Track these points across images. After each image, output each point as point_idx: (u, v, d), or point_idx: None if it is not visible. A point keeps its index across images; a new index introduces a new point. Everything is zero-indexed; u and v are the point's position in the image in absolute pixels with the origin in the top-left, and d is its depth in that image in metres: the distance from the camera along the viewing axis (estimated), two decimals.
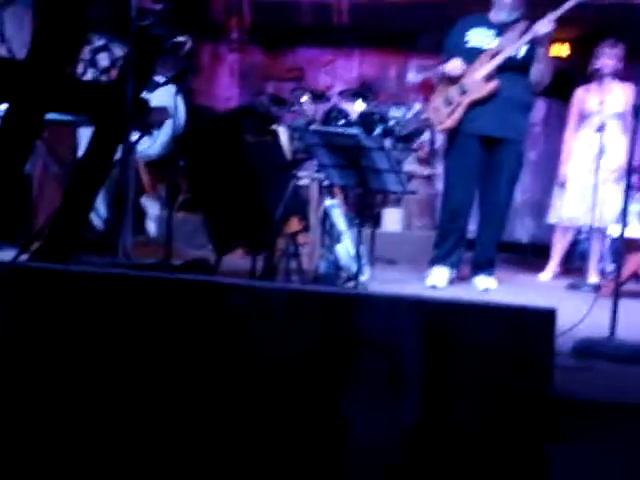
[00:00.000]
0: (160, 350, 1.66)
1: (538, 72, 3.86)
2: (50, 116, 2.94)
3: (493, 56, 3.82)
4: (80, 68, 4.54)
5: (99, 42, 3.98)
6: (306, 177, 4.16)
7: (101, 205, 4.14)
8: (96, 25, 2.84)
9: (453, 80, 3.89)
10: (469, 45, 3.91)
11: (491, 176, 3.94)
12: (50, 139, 3.83)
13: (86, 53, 4.34)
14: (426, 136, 5.83)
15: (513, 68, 3.84)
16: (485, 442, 1.55)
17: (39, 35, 2.49)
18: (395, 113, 5.43)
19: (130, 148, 3.08)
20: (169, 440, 1.65)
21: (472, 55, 3.87)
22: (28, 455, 1.68)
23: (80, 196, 2.90)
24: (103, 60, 4.29)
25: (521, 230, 6.41)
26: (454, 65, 3.87)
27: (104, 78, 4.09)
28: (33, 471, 1.68)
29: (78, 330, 1.68)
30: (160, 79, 4.15)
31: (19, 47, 3.85)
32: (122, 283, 1.70)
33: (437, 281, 3.90)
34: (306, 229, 3.78)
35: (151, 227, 5.51)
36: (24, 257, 3.26)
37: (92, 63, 4.24)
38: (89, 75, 4.37)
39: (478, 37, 3.90)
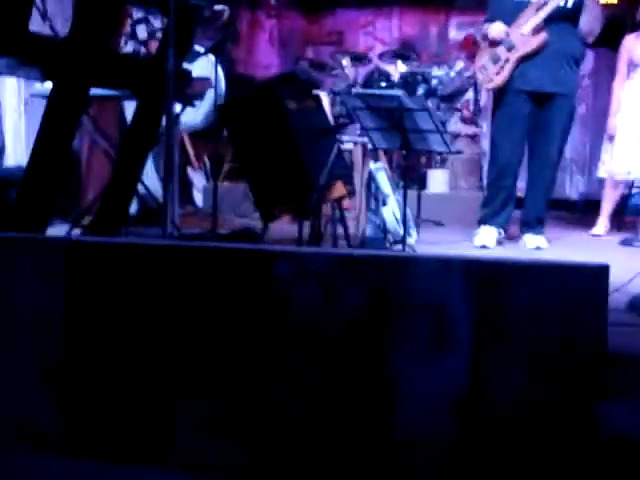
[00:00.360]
0: (210, 317, 1.69)
1: (588, 21, 3.73)
2: (94, 91, 2.97)
3: (539, 8, 3.71)
4: (121, 41, 4.58)
5: (137, 14, 4.00)
6: (349, 141, 4.13)
7: (149, 177, 4.20)
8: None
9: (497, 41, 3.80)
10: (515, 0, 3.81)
11: (541, 133, 3.85)
12: (96, 114, 3.88)
13: (126, 26, 4.37)
14: (470, 94, 5.73)
15: (561, 19, 3.72)
16: (537, 402, 1.54)
17: (79, 12, 2.51)
18: (437, 72, 5.34)
19: (174, 120, 3.11)
20: (221, 406, 1.69)
21: (518, 8, 3.76)
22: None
23: (127, 169, 2.94)
24: (142, 32, 4.32)
25: (570, 187, 6.29)
26: (497, 29, 3.78)
27: (143, 50, 4.12)
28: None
29: (131, 299, 1.72)
30: (200, 49, 4.16)
31: (61, 24, 3.89)
32: (171, 254, 1.73)
33: (486, 241, 3.85)
34: (351, 194, 3.77)
35: (198, 198, 5.56)
36: (76, 231, 3.34)
37: (132, 35, 4.27)
38: (129, 47, 4.41)
39: None
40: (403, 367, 1.60)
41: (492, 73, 3.82)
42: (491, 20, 3.87)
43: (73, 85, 2.48)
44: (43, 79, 3.13)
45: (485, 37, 3.91)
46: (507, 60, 3.76)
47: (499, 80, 3.80)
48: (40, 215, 2.54)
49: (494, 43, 3.81)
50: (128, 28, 4.29)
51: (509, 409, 1.55)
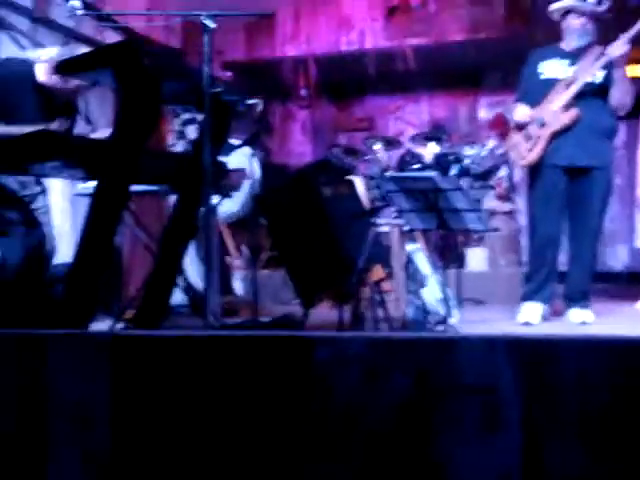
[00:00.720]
0: (252, 407, 1.68)
1: (617, 95, 3.78)
2: (135, 188, 3.06)
3: (569, 85, 3.77)
4: (171, 140, 4.76)
5: (185, 115, 4.16)
6: (386, 224, 4.16)
7: (190, 269, 4.26)
8: (174, 99, 2.96)
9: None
10: (543, 77, 3.87)
11: (580, 206, 3.84)
12: (137, 210, 3.99)
13: (175, 126, 4.56)
14: (503, 172, 5.76)
15: (592, 94, 3.77)
16: (593, 477, 1.48)
17: (120, 115, 2.62)
18: (469, 152, 5.41)
19: (211, 211, 3.17)
20: None
21: (547, 86, 3.83)
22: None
23: (167, 262, 2.99)
24: (191, 132, 4.52)
25: (613, 258, 6.20)
26: (521, 114, 3.85)
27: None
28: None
29: (174, 391, 1.72)
30: (235, 142, 4.28)
31: (105, 125, 4.06)
32: (213, 344, 1.74)
33: (530, 317, 3.79)
34: (390, 276, 3.76)
35: (237, 286, 5.61)
36: (119, 325, 3.37)
37: (181, 135, 4.46)
38: (179, 147, 4.60)
39: (552, 68, 3.86)
40: (452, 451, 1.56)
41: (525, 150, 3.86)
42: (520, 100, 3.94)
43: (115, 184, 2.56)
44: (86, 179, 3.25)
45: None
46: (539, 137, 3.80)
47: (532, 157, 3.83)
48: (85, 310, 2.59)
49: (521, 127, 3.87)
50: (176, 127, 4.48)
51: None
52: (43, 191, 3.39)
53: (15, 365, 1.84)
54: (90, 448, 1.77)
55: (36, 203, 3.29)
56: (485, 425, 1.55)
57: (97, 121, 3.57)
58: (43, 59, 3.12)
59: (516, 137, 3.93)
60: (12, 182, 3.13)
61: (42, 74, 3.15)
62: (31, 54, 3.44)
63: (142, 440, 1.74)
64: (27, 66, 3.18)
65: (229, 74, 6.68)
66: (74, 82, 3.13)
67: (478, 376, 1.56)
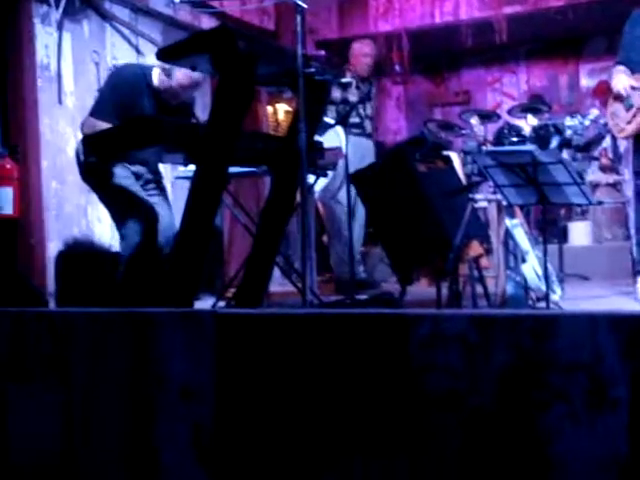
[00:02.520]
0: (351, 385, 1.70)
1: None
2: (233, 170, 3.14)
3: None
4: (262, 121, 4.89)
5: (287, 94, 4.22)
6: (483, 199, 4.09)
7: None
8: (269, 80, 3.01)
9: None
10: None
11: None
12: (235, 191, 4.08)
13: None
14: (607, 142, 5.53)
15: None
16: None
17: (217, 98, 2.68)
18: (571, 122, 5.20)
19: (308, 190, 3.21)
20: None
21: None
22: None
23: (267, 242, 3.05)
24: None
25: None
26: (621, 83, 3.64)
27: None
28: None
29: (275, 367, 1.76)
30: (330, 121, 4.30)
31: (201, 111, 4.16)
32: (311, 322, 1.77)
33: None
34: (488, 252, 3.70)
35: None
36: (221, 303, 3.48)
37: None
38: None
39: None
40: (556, 429, 1.53)
41: (623, 122, 3.68)
42: (621, 63, 3.75)
43: (214, 166, 2.63)
44: (186, 163, 3.35)
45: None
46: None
47: (631, 129, 3.65)
48: (188, 289, 2.68)
49: (619, 97, 3.68)
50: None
51: None
52: (160, 178, 3.54)
53: (123, 341, 1.93)
54: (196, 421, 1.85)
55: (151, 190, 3.44)
56: (590, 403, 1.51)
57: (196, 105, 3.67)
58: (157, 64, 3.25)
59: (616, 105, 3.74)
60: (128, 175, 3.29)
61: (156, 78, 3.29)
62: (148, 59, 3.58)
63: (244, 414, 1.79)
64: (144, 70, 3.33)
65: (323, 53, 6.70)
66: (177, 80, 3.25)
67: (582, 354, 1.52)
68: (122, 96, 3.23)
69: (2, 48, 4.24)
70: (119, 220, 3.28)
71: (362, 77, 4.91)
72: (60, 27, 4.34)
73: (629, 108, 3.65)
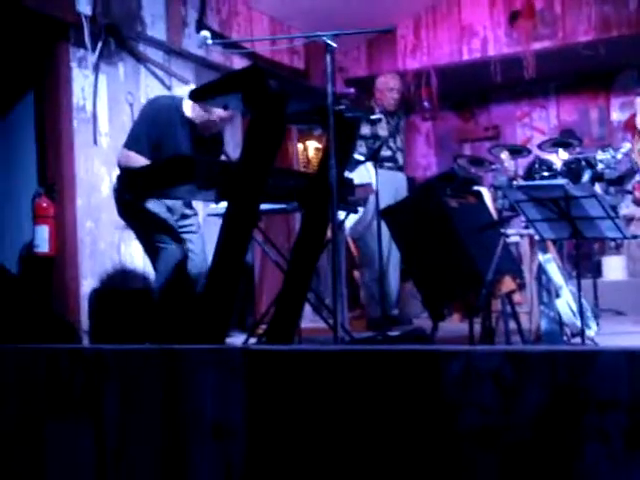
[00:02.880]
0: (383, 423, 1.68)
1: None
2: (264, 206, 3.17)
3: None
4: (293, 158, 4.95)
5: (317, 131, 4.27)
6: (515, 234, 4.06)
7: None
8: (299, 118, 3.05)
9: None
10: None
11: None
12: (266, 227, 4.11)
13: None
14: None
15: None
16: None
17: (249, 136, 2.72)
18: (602, 156, 5.16)
19: (339, 226, 3.22)
20: None
21: None
22: None
23: (297, 278, 3.05)
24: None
25: None
26: None
27: None
28: None
29: (306, 404, 1.75)
30: (360, 157, 4.33)
31: (232, 149, 4.22)
32: (342, 359, 1.76)
33: None
34: (521, 287, 3.66)
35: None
36: (252, 340, 3.48)
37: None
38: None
39: None
40: (595, 469, 1.49)
41: None
42: None
43: (245, 203, 2.65)
44: (218, 200, 3.39)
45: None
46: None
47: None
48: (220, 326, 2.69)
49: None
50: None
51: None
52: (194, 214, 3.59)
53: (155, 378, 1.94)
54: (228, 460, 1.84)
55: (186, 226, 3.48)
56: (629, 442, 1.48)
57: (227, 144, 3.73)
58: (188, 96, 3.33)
59: None
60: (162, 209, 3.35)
61: (189, 109, 3.36)
62: (178, 91, 3.66)
63: (276, 452, 1.78)
64: (175, 101, 3.41)
65: (352, 91, 6.77)
66: (217, 114, 3.32)
67: (619, 391, 1.49)
68: (156, 128, 3.29)
69: (40, 90, 4.36)
70: (153, 248, 3.32)
71: (390, 111, 4.94)
72: (96, 70, 4.45)
73: None
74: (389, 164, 4.88)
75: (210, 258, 2.76)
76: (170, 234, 3.31)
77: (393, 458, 1.67)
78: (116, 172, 3.50)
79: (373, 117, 4.72)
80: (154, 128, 3.30)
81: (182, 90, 3.56)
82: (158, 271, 3.30)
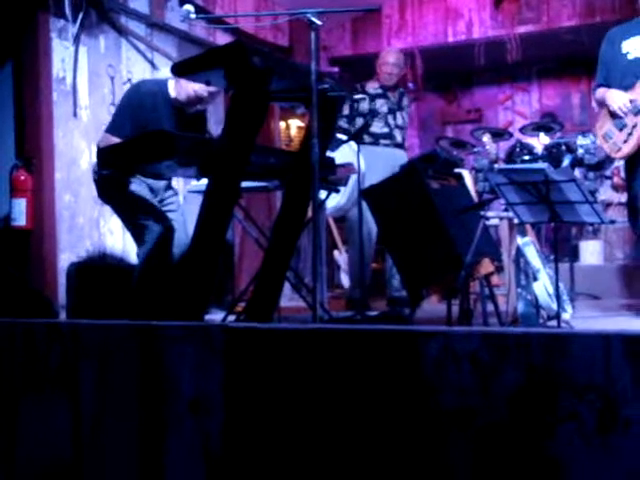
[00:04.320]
0: (359, 401, 1.69)
1: None
2: (245, 184, 3.15)
3: None
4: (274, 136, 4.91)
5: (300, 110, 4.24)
6: (495, 217, 4.08)
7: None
8: (281, 96, 3.02)
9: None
10: (630, 57, 3.60)
11: None
12: (247, 205, 4.09)
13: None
14: (620, 161, 5.51)
15: None
16: None
17: (230, 114, 2.70)
18: (583, 141, 5.19)
19: (320, 206, 3.21)
20: None
21: (636, 67, 3.58)
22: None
23: (278, 256, 3.05)
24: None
25: None
26: (619, 100, 3.54)
27: None
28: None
29: (283, 381, 1.76)
30: (342, 137, 4.31)
31: (215, 124, 4.19)
32: (321, 337, 1.77)
33: None
34: (499, 270, 3.69)
35: (345, 280, 5.65)
36: (231, 317, 3.48)
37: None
38: None
39: (637, 46, 3.61)
40: (568, 451, 1.52)
41: (620, 141, 3.61)
42: (605, 84, 3.71)
43: (226, 180, 2.64)
44: (199, 177, 3.37)
45: (601, 104, 3.74)
46: (635, 125, 3.54)
47: (629, 148, 3.58)
48: (199, 302, 2.68)
49: (615, 114, 3.61)
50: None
51: None
52: (175, 194, 3.58)
53: (133, 354, 1.93)
54: (205, 435, 1.84)
55: (167, 204, 3.47)
56: (602, 424, 1.50)
57: (208, 120, 3.70)
58: (171, 76, 3.30)
59: (606, 126, 3.67)
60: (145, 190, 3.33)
61: (173, 90, 3.34)
62: (164, 71, 3.64)
63: (253, 428, 1.79)
64: (160, 85, 3.38)
65: (336, 70, 6.73)
66: (199, 92, 3.29)
67: (593, 374, 1.51)
68: (140, 114, 3.26)
69: (19, 61, 4.29)
70: (136, 227, 3.30)
71: (388, 86, 4.82)
72: (77, 41, 4.38)
73: (622, 128, 3.59)
74: (385, 141, 4.78)
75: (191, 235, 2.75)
76: (153, 214, 3.29)
77: (370, 437, 1.68)
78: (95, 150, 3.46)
79: (357, 97, 4.70)
80: (139, 114, 3.27)
81: (167, 72, 3.53)
82: (142, 251, 3.28)
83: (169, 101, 3.37)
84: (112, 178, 3.23)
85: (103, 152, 3.15)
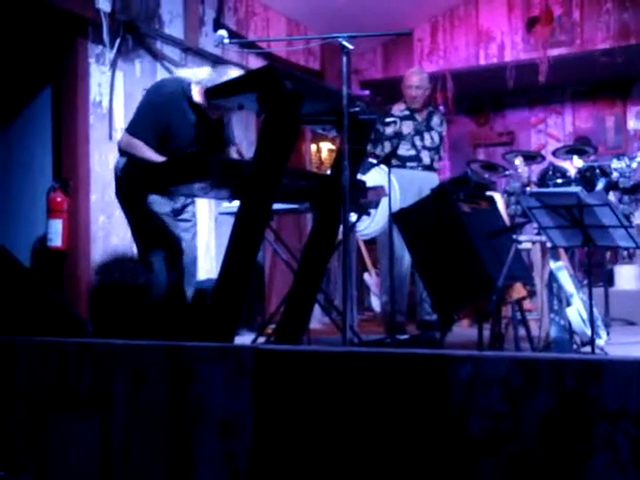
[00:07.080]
0: (389, 425, 1.68)
1: None
2: (276, 206, 3.17)
3: None
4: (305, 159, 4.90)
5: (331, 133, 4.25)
6: (527, 241, 4.04)
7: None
8: (313, 119, 3.04)
9: None
10: None
11: None
12: (277, 227, 4.11)
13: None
14: None
15: None
16: None
17: (262, 136, 2.72)
18: (617, 165, 5.14)
19: (350, 229, 3.22)
20: None
21: None
22: None
23: (308, 279, 3.06)
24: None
25: None
26: None
27: None
28: None
29: (313, 404, 1.76)
30: (373, 160, 4.32)
31: (246, 148, 4.23)
32: (350, 360, 1.76)
33: None
34: (532, 294, 3.65)
35: (375, 303, 5.63)
36: (261, 339, 3.49)
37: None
38: None
39: None
40: (600, 477, 1.48)
41: None
42: None
43: (258, 203, 2.66)
44: (231, 198, 3.39)
45: None
46: None
47: None
48: (230, 324, 2.69)
49: None
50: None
51: None
52: (192, 202, 3.56)
53: (164, 374, 1.94)
54: (233, 457, 1.84)
55: (184, 214, 3.47)
56: (638, 454, 1.47)
57: (240, 143, 3.72)
58: (195, 80, 3.28)
59: None
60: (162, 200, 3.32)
61: (197, 94, 3.28)
62: (183, 73, 3.60)
63: (282, 451, 1.78)
64: (183, 85, 3.32)
65: (367, 93, 6.76)
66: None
67: (629, 401, 1.48)
68: (163, 115, 3.23)
69: (58, 85, 4.39)
70: (145, 246, 3.30)
71: (414, 108, 4.77)
72: (113, 66, 4.47)
73: None
74: (412, 164, 4.71)
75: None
76: (165, 229, 3.29)
77: (399, 461, 1.66)
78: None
79: (388, 120, 4.70)
80: (161, 116, 3.22)
81: (189, 72, 3.47)
82: (154, 269, 3.28)
83: (192, 105, 3.33)
84: (134, 186, 3.22)
85: (134, 169, 3.17)
